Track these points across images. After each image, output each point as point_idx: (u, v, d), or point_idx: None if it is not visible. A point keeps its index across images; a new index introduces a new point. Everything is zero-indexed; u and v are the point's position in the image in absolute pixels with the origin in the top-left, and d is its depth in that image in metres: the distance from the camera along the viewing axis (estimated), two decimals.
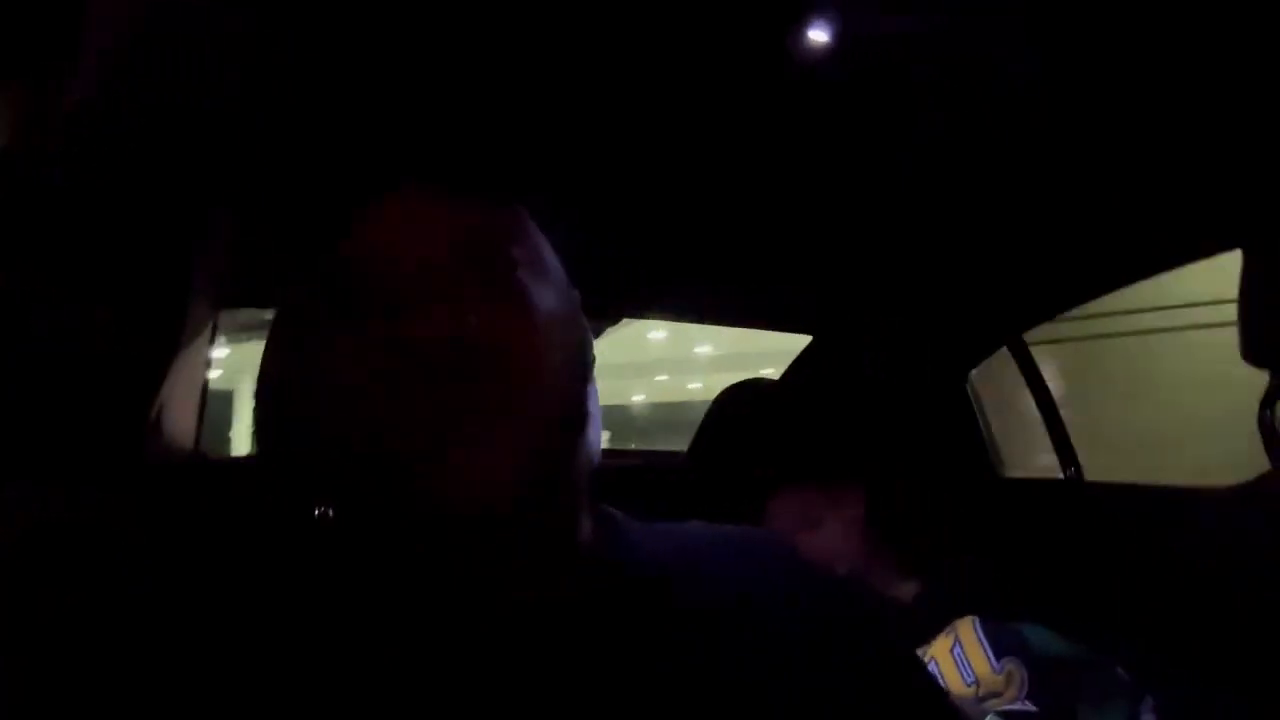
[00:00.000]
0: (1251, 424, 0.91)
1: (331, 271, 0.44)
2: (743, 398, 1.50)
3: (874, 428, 1.57)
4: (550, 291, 0.48)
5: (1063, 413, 1.70)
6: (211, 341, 1.57)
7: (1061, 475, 1.69)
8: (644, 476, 1.59)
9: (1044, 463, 1.73)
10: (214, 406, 1.21)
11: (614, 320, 1.60)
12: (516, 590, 0.44)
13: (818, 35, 0.95)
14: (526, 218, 0.50)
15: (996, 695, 1.03)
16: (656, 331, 8.77)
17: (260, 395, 0.48)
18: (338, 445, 0.42)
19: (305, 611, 0.44)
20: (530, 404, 0.43)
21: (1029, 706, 1.01)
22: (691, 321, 1.82)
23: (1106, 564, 1.27)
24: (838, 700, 0.47)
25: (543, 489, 0.44)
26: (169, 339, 1.39)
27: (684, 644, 0.46)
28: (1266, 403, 0.90)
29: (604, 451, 0.56)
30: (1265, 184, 1.09)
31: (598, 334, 1.58)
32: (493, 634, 0.43)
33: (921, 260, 1.53)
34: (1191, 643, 1.15)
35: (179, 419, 1.51)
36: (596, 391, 0.55)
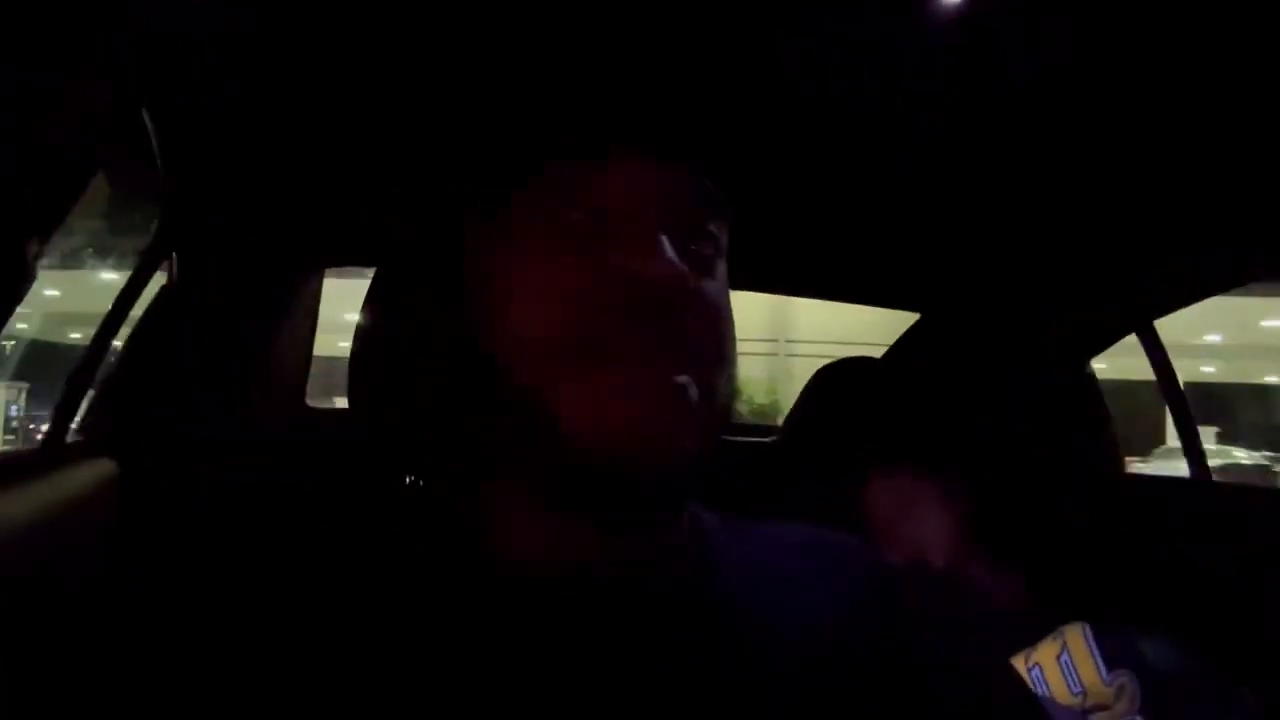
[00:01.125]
0: None
1: (573, 200, 0.47)
2: (843, 375, 1.44)
3: (982, 412, 1.49)
4: (724, 294, 0.51)
5: None
6: (318, 299, 1.61)
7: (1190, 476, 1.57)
8: (737, 452, 1.56)
9: None
10: None
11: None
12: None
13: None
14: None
15: (1104, 708, 0.96)
16: None
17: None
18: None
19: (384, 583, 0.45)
20: (723, 367, 0.48)
21: None
22: (796, 295, 1.76)
23: (1236, 575, 1.17)
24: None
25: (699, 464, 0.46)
26: (278, 300, 1.44)
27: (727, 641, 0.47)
28: None
29: None
30: None
31: None
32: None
33: (1046, 234, 1.43)
34: None
35: (287, 374, 1.56)
36: None
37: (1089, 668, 0.97)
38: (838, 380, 1.43)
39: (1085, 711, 0.98)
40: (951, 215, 1.41)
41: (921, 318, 1.82)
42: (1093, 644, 0.99)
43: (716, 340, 0.48)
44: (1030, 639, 1.05)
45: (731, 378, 0.50)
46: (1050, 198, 1.31)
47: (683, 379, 0.45)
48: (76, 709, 0.41)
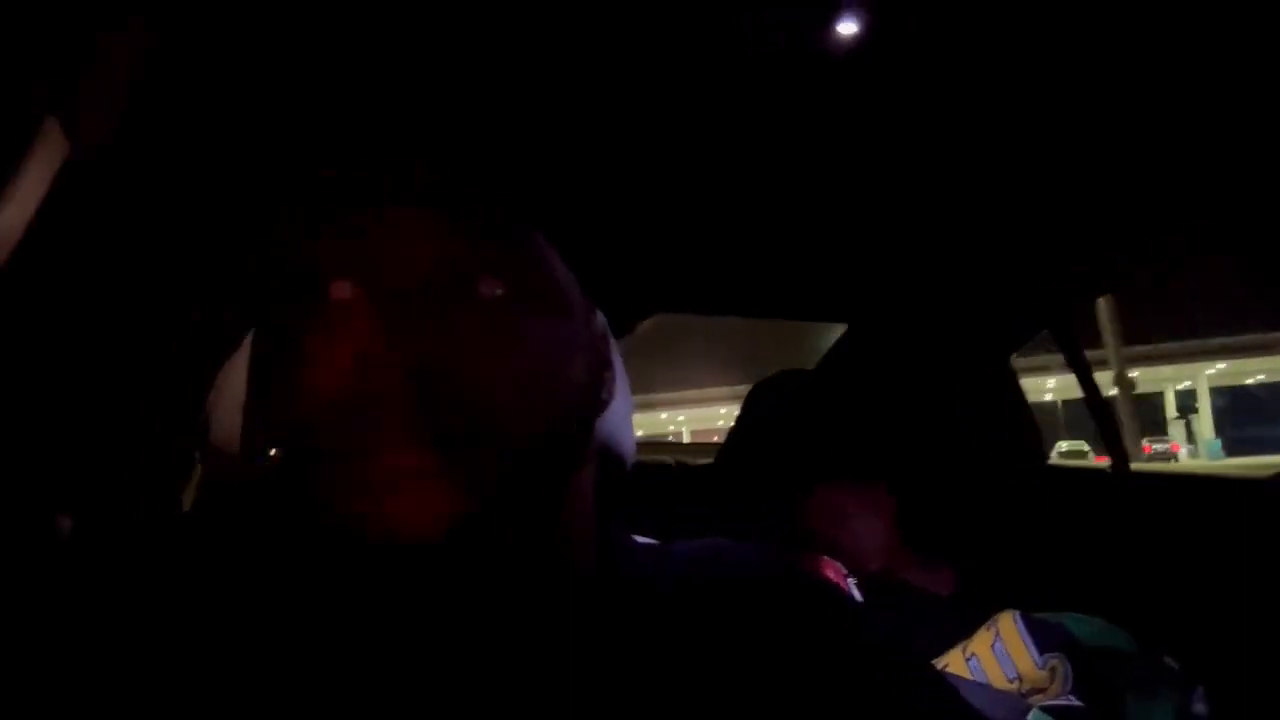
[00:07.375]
0: None
1: (305, 285, 0.44)
2: (774, 392, 1.47)
3: (908, 419, 1.54)
4: (541, 320, 0.47)
5: None
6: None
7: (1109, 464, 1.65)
8: (678, 476, 1.59)
9: None
10: None
11: (643, 316, 1.58)
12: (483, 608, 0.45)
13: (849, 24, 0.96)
14: (529, 239, 0.49)
15: (1040, 691, 1.01)
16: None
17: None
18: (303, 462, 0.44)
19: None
20: (486, 434, 0.42)
21: (1074, 701, 0.99)
22: (724, 315, 1.80)
23: (1152, 553, 1.24)
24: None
25: (496, 517, 0.43)
26: (210, 350, 1.41)
27: (664, 664, 0.46)
28: None
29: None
30: None
31: (627, 331, 1.57)
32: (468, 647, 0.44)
33: (960, 240, 1.50)
34: (1241, 630, 1.11)
35: (223, 432, 1.53)
36: (623, 414, 0.56)
37: (1022, 654, 1.02)
38: (771, 395, 1.47)
39: (1023, 695, 1.02)
40: (873, 225, 1.46)
41: (849, 328, 1.87)
42: (1024, 630, 1.03)
43: (474, 415, 0.42)
44: (967, 631, 1.09)
45: (544, 435, 0.45)
46: (963, 203, 1.38)
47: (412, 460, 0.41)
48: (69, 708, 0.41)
